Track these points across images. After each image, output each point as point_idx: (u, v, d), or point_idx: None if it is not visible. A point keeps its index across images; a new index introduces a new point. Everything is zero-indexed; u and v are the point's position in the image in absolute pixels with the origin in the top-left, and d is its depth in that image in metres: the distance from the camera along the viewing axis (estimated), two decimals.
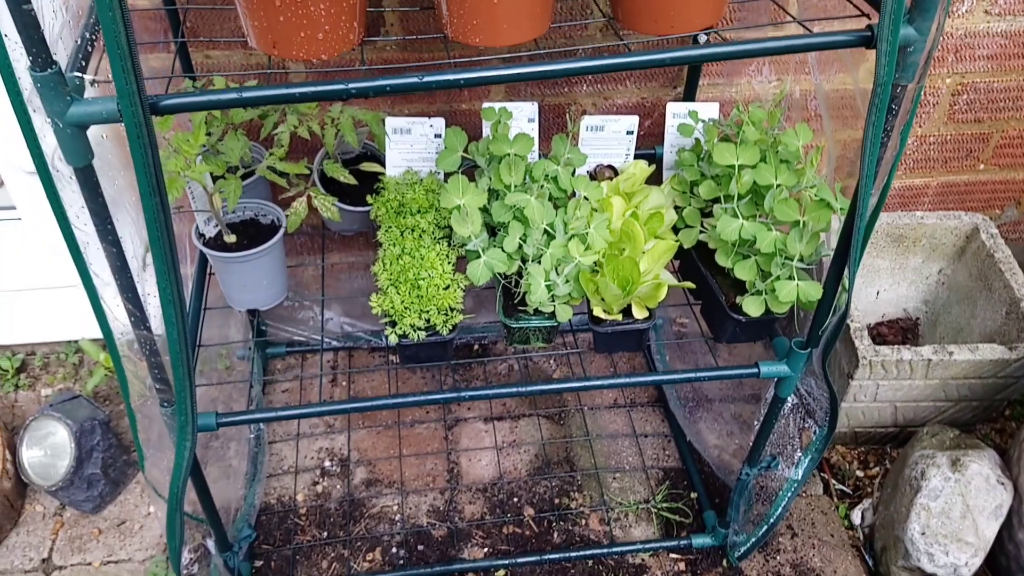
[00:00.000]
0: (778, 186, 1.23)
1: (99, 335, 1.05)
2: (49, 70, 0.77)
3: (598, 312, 1.26)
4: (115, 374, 1.10)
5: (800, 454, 1.47)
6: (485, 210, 1.32)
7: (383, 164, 1.43)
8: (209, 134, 1.30)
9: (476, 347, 2.01)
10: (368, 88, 0.87)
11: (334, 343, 1.95)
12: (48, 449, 1.60)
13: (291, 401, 1.87)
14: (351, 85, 0.87)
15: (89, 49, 0.89)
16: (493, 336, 2.00)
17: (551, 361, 1.96)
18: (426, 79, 0.88)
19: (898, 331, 1.99)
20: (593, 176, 1.46)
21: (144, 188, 0.86)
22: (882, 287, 1.96)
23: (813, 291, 1.19)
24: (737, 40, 0.91)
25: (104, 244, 0.92)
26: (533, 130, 1.44)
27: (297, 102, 0.87)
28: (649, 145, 1.61)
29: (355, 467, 1.74)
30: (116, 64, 0.76)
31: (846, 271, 1.12)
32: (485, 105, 1.38)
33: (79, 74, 0.81)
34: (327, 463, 1.74)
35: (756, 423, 1.46)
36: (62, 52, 0.86)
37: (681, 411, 1.81)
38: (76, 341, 1.84)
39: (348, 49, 0.97)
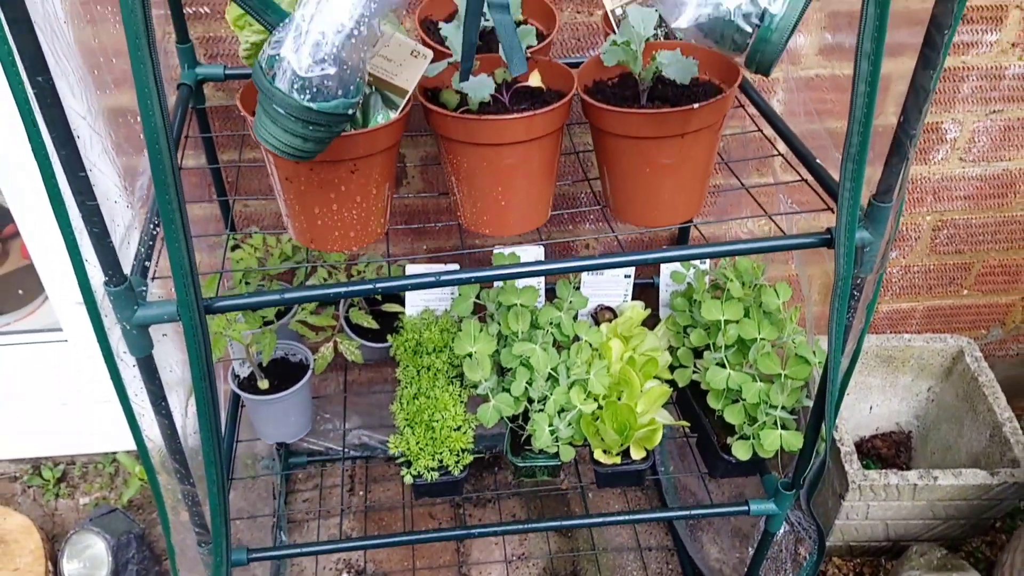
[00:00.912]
0: (761, 339, 1.34)
1: (134, 447, 1.16)
2: (121, 286, 0.91)
3: (599, 454, 1.37)
4: (148, 485, 1.19)
5: None
6: (496, 352, 1.44)
7: (403, 304, 1.56)
8: (247, 284, 1.44)
9: (487, 456, 2.11)
10: (392, 287, 1.01)
11: (352, 453, 2.06)
12: (87, 561, 1.72)
13: (311, 511, 1.98)
14: (378, 284, 1.00)
15: (151, 243, 1.03)
16: (503, 444, 2.10)
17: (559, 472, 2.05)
18: (442, 278, 1.01)
19: (892, 444, 2.08)
20: (594, 316, 1.59)
21: (196, 373, 0.99)
22: (874, 403, 2.05)
23: (795, 440, 1.29)
24: (716, 242, 1.04)
25: (158, 417, 1.05)
26: None
27: (332, 300, 1.00)
28: (648, 275, 1.74)
29: None
30: (179, 282, 0.90)
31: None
32: (496, 251, 1.52)
33: (144, 288, 0.94)
34: (345, 575, 1.84)
35: (751, 547, 1.55)
36: (128, 255, 1.00)
37: (683, 525, 1.89)
38: (114, 453, 1.97)
39: (375, 240, 1.11)
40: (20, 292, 2.03)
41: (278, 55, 0.73)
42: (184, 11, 1.32)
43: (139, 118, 0.86)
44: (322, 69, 0.73)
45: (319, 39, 0.72)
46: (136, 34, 0.72)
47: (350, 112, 0.77)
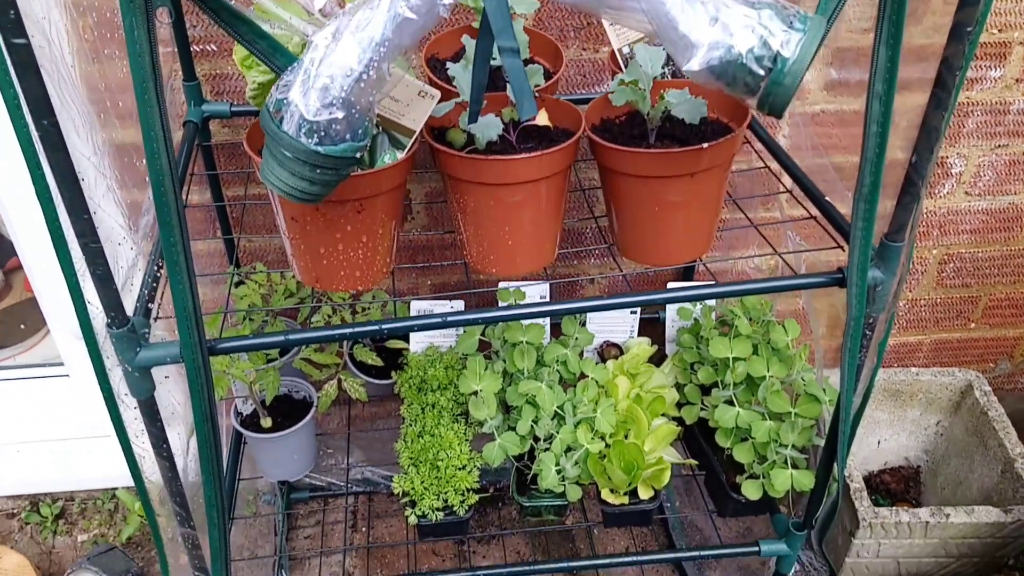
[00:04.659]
0: (770, 377, 1.33)
1: (133, 484, 1.13)
2: (124, 328, 0.90)
3: (606, 494, 1.35)
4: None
5: None
6: (501, 390, 1.42)
7: (407, 340, 1.55)
8: (251, 320, 1.42)
9: (491, 490, 2.08)
10: (398, 328, 1.00)
11: (355, 488, 2.04)
12: None
13: (313, 547, 1.95)
14: (384, 326, 0.99)
15: (154, 284, 1.02)
16: (508, 478, 2.07)
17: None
18: (448, 319, 1.00)
19: (900, 479, 2.05)
20: (600, 353, 1.57)
21: (198, 416, 0.97)
22: (882, 437, 2.03)
23: (806, 480, 1.27)
24: (724, 282, 1.03)
25: (159, 459, 1.03)
26: None
27: (338, 340, 0.98)
28: (653, 310, 1.73)
29: None
30: (182, 324, 0.89)
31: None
32: (501, 287, 1.50)
33: (146, 330, 0.93)
34: None
35: None
36: (131, 295, 0.99)
37: (691, 566, 1.86)
38: (113, 489, 1.94)
39: (381, 280, 1.09)
40: (22, 326, 2.02)
41: (286, 99, 0.72)
42: (191, 49, 1.32)
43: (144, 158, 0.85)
44: (330, 113, 0.72)
45: (327, 83, 0.72)
46: (143, 79, 0.72)
47: (358, 156, 0.77)
